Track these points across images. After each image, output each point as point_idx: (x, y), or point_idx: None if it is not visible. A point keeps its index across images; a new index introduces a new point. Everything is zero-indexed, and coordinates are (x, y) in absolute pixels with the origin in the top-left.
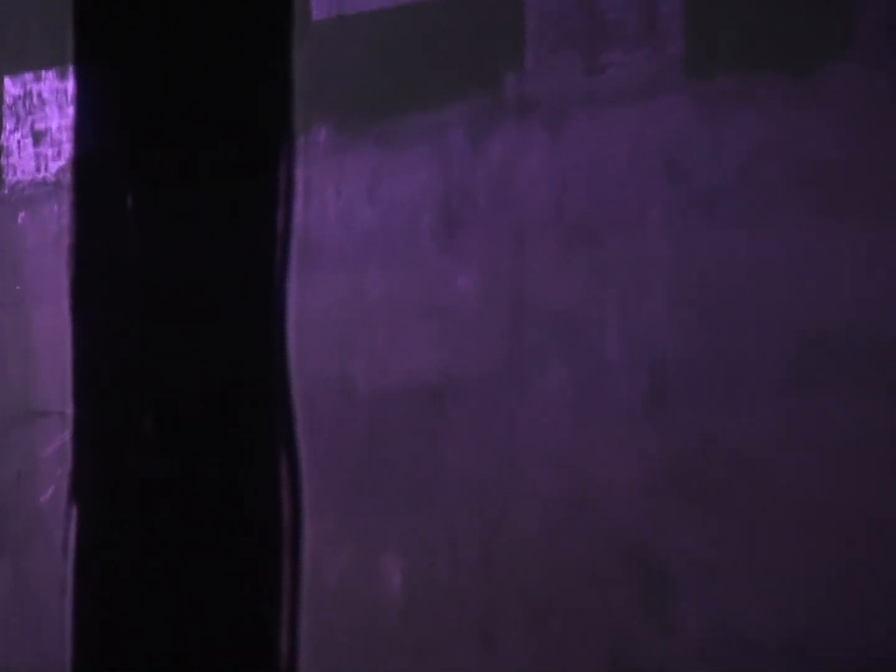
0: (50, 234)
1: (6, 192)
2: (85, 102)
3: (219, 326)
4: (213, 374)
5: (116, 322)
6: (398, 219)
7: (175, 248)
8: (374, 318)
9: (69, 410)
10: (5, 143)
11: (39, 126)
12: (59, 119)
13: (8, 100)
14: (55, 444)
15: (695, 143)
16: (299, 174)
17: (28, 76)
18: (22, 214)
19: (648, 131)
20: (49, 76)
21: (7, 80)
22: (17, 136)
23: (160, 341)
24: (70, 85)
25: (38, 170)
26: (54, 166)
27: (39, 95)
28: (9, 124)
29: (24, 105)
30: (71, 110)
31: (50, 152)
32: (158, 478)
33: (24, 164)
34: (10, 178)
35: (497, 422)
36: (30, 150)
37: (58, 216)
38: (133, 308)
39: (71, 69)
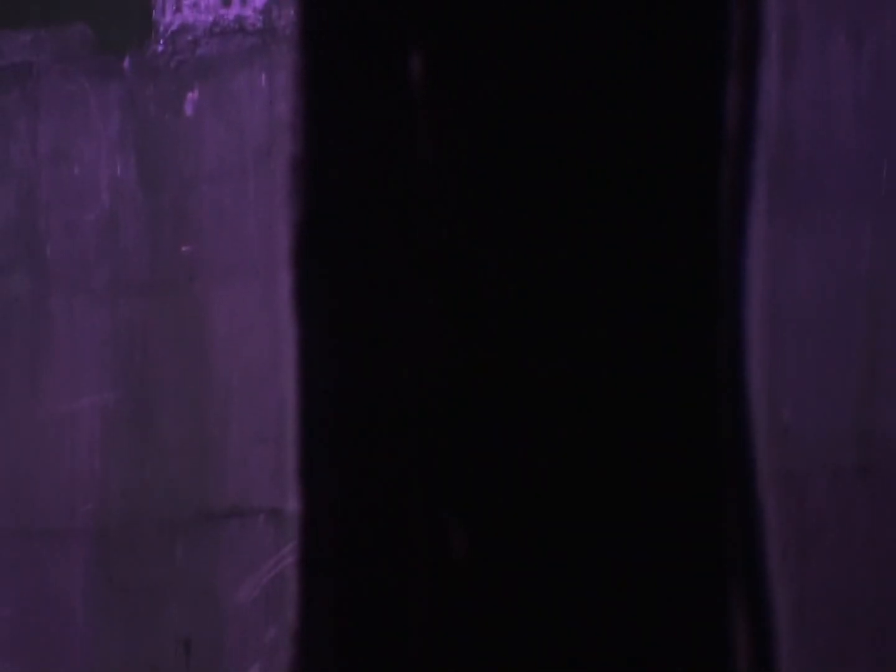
0: (250, 138)
1: (160, 47)
2: None
3: (619, 319)
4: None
5: (401, 324)
6: None
7: (517, 161)
8: None
9: (291, 504)
10: None
11: None
12: None
13: None
14: (261, 576)
15: None
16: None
17: None
18: (192, 95)
19: None
20: None
21: None
22: None
23: (494, 367)
24: None
25: (225, 2)
26: None
27: None
28: None
29: None
30: None
31: None
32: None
33: None
34: (168, 19)
35: None
36: None
37: (267, 100)
38: (438, 291)
39: None
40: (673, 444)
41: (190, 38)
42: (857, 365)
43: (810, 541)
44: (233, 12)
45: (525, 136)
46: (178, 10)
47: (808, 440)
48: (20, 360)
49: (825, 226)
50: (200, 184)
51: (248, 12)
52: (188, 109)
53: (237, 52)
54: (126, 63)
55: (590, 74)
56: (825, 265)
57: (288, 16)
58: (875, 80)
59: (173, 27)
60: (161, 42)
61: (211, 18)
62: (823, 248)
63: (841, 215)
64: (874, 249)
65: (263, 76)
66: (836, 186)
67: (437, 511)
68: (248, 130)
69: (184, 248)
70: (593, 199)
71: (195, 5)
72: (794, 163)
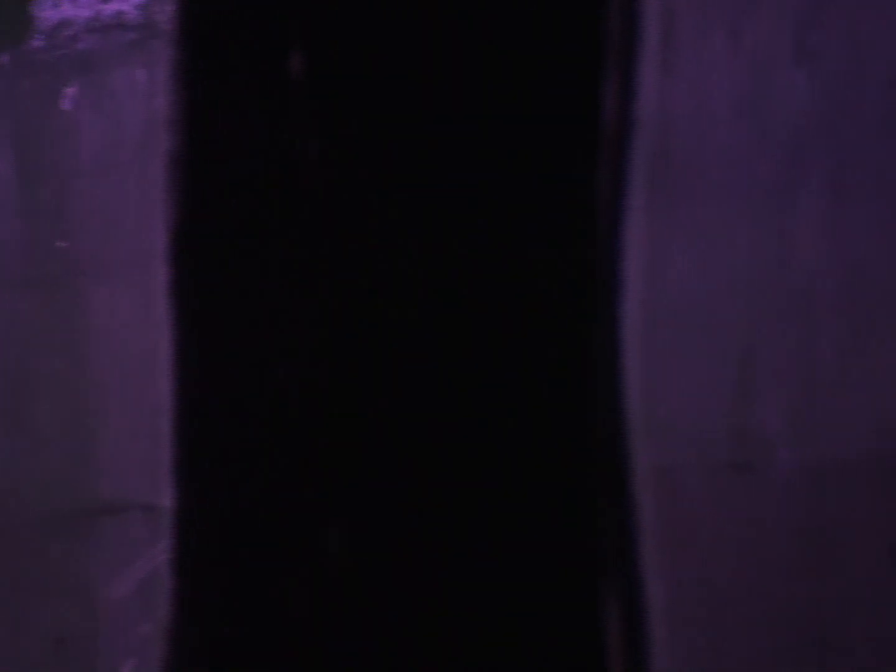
0: (128, 133)
1: (39, 42)
2: None
3: (493, 316)
4: (482, 416)
5: (277, 321)
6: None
7: (397, 158)
8: (811, 306)
9: (165, 501)
10: None
11: None
12: None
13: None
14: (136, 572)
15: None
16: None
17: None
18: (70, 90)
19: None
20: None
21: None
22: None
23: (367, 357)
24: None
25: None
26: None
27: None
28: None
29: None
30: None
31: None
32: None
33: None
34: (47, 14)
35: None
36: None
37: (146, 94)
38: (316, 289)
39: None
40: (548, 441)
41: (69, 33)
42: (733, 364)
43: (685, 537)
44: (112, 7)
45: (405, 133)
46: (58, 5)
47: (684, 438)
48: None
49: (702, 224)
50: (78, 179)
51: (128, 8)
52: (66, 104)
53: (116, 48)
54: (5, 58)
55: (466, 71)
56: (702, 263)
57: (167, 11)
58: (752, 77)
59: (53, 22)
60: (40, 37)
61: (90, 14)
62: (701, 246)
63: (718, 213)
64: (750, 248)
65: (142, 72)
66: (713, 184)
67: (313, 507)
68: (127, 126)
69: (61, 244)
70: (471, 197)
71: (74, 0)
72: (672, 160)
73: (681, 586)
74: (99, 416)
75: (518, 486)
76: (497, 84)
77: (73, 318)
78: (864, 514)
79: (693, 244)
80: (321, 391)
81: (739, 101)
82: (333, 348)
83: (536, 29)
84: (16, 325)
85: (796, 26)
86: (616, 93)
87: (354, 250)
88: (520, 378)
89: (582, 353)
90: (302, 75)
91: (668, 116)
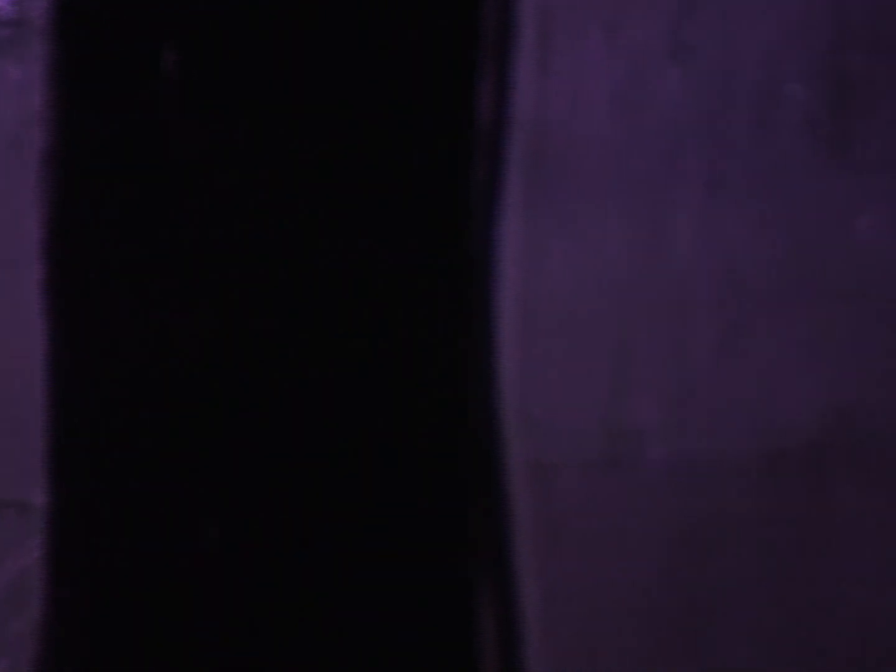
0: (1, 130)
1: None
2: None
3: (369, 313)
4: (359, 409)
5: (150, 316)
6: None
7: (272, 156)
8: (691, 298)
9: (37, 498)
10: None
11: None
12: None
13: None
14: (6, 572)
15: None
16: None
17: None
18: None
19: None
20: None
21: None
22: None
23: (246, 351)
24: None
25: None
26: None
27: None
28: None
29: None
30: None
31: None
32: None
33: None
34: None
35: None
36: None
37: (19, 93)
38: (192, 284)
39: None
40: (422, 439)
41: None
42: (608, 360)
43: (559, 535)
44: None
45: (279, 130)
46: None
47: (559, 434)
48: None
49: (579, 220)
50: None
51: (1, 3)
52: None
53: None
54: None
55: (341, 68)
56: (579, 260)
57: (41, 8)
58: (628, 74)
59: None
60: None
61: None
62: (577, 243)
63: (594, 210)
64: (626, 244)
65: (16, 69)
66: (590, 181)
67: (190, 504)
68: (0, 123)
69: None
70: (346, 194)
71: None
72: (550, 157)
73: (555, 584)
74: None
75: (393, 485)
76: (372, 81)
77: None
78: (736, 511)
79: (569, 241)
80: (198, 386)
81: (616, 99)
82: (211, 343)
83: (412, 28)
84: None
85: (671, 23)
86: (492, 91)
87: (231, 245)
88: (394, 374)
89: (457, 350)
90: (174, 72)
91: (544, 114)
